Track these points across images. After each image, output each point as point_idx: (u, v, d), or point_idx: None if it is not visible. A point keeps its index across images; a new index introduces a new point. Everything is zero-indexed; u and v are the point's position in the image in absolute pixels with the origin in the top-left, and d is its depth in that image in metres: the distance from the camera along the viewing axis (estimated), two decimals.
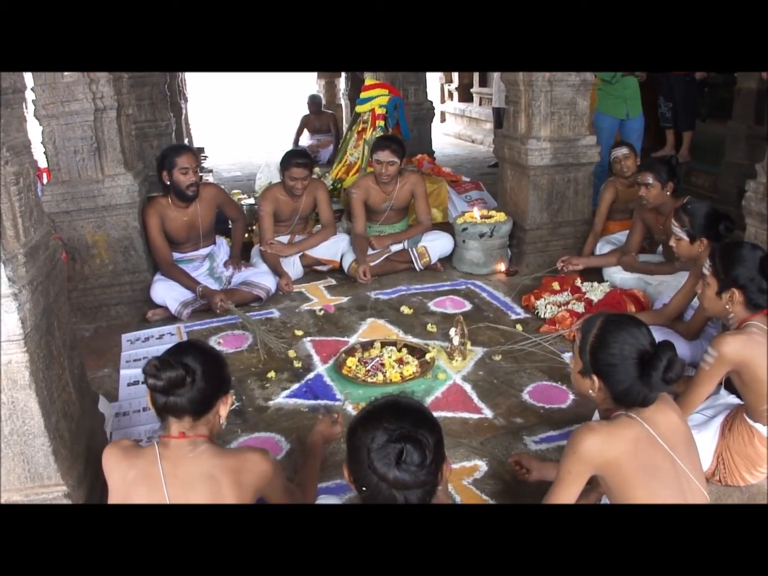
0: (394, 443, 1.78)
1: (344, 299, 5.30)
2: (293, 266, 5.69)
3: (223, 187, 6.10)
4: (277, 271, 5.52)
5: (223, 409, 2.40)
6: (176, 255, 5.28)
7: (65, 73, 4.66)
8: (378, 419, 1.84)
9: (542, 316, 4.74)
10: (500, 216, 5.81)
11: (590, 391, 2.42)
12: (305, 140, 11.76)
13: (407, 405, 1.91)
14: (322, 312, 5.06)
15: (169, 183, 5.09)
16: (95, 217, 4.98)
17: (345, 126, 11.92)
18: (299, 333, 4.71)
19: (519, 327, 4.64)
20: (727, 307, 3.00)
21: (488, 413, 3.71)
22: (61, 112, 4.75)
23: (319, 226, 6.03)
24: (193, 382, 2.26)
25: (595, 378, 2.37)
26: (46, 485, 2.60)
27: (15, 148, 2.53)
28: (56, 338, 2.75)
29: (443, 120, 15.74)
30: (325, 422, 3.25)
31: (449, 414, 3.67)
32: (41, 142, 4.85)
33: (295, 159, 5.63)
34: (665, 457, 2.25)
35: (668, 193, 4.72)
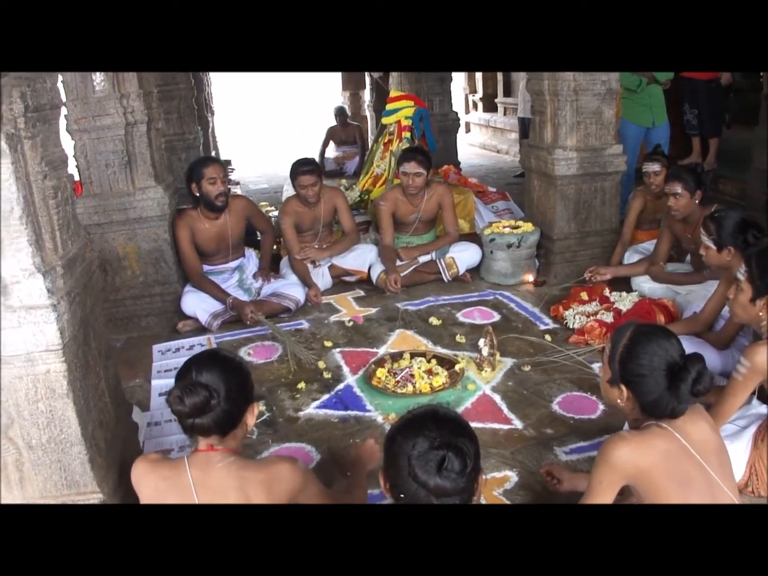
0: (436, 450, 1.79)
1: (373, 310, 5.33)
2: (322, 277, 5.74)
3: (251, 199, 6.15)
4: (306, 282, 5.56)
5: (251, 418, 2.41)
6: (206, 267, 5.34)
7: (96, 88, 4.76)
8: (418, 427, 1.86)
9: (571, 327, 4.74)
10: (527, 226, 5.82)
11: (618, 401, 2.42)
12: (331, 152, 11.80)
13: (446, 414, 1.93)
14: (351, 323, 5.08)
15: (198, 194, 5.16)
16: (126, 230, 5.05)
17: (370, 137, 12.00)
18: (328, 344, 4.74)
19: (548, 337, 4.64)
20: (761, 314, 2.99)
21: (518, 424, 3.72)
22: (93, 127, 4.84)
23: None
24: (218, 403, 2.26)
25: (623, 388, 2.37)
26: (83, 492, 2.64)
27: (53, 163, 2.58)
28: (92, 348, 2.80)
29: (468, 130, 15.76)
30: (364, 447, 3.10)
31: (479, 425, 3.67)
32: (73, 156, 4.93)
33: (301, 167, 5.72)
34: (697, 468, 2.25)
35: (697, 201, 4.71)
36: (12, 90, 2.34)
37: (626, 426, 2.75)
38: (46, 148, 2.54)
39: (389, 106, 7.76)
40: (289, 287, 5.37)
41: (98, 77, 4.74)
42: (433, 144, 7.62)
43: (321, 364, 4.44)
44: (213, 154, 11.28)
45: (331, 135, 11.94)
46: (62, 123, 4.57)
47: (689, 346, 2.47)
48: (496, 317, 5.07)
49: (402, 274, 5.58)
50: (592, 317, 4.71)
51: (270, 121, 21.96)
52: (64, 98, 4.70)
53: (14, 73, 2.34)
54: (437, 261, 5.79)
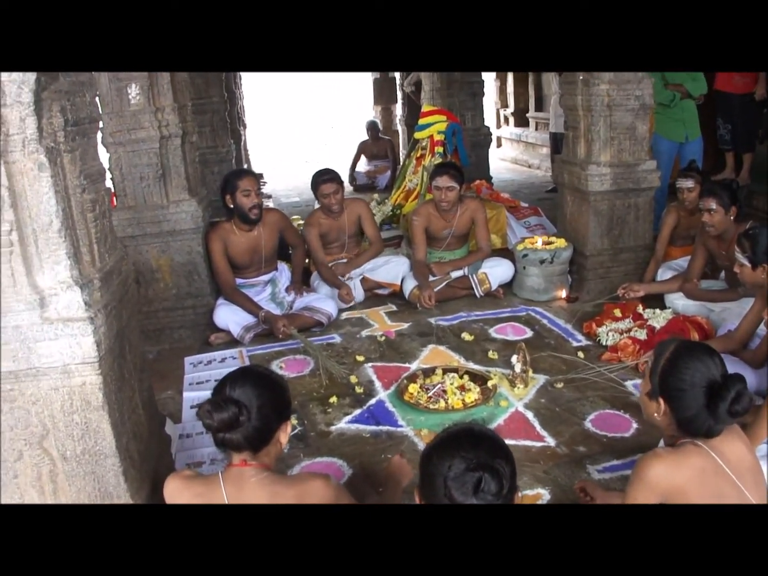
0: (472, 472, 1.77)
1: (405, 325, 5.31)
2: (354, 290, 5.73)
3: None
4: (336, 284, 5.60)
5: (284, 436, 2.40)
6: (239, 280, 5.36)
7: (132, 102, 4.81)
8: (454, 447, 1.84)
9: (604, 344, 4.69)
10: (560, 242, 5.78)
11: (655, 415, 2.40)
12: (363, 166, 11.83)
13: (482, 433, 1.91)
14: (383, 338, 5.07)
15: (232, 206, 5.19)
16: (160, 242, 5.09)
17: (402, 152, 12.00)
18: (360, 358, 4.73)
19: (580, 354, 4.60)
20: None
21: (551, 441, 3.68)
22: (128, 140, 4.89)
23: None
24: (248, 420, 2.25)
25: (661, 402, 2.35)
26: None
27: (91, 176, 2.61)
28: (128, 361, 2.82)
29: (499, 145, 15.73)
30: (395, 463, 3.08)
31: (511, 442, 3.63)
32: (108, 169, 4.97)
33: (321, 176, 5.82)
34: (732, 487, 2.23)
35: (731, 218, 4.66)
36: (52, 104, 2.37)
37: (661, 444, 2.72)
38: (84, 162, 2.56)
39: (422, 121, 7.78)
40: (321, 301, 5.38)
41: (133, 90, 4.79)
42: (465, 159, 7.63)
43: (353, 379, 4.43)
44: (245, 167, 11.34)
45: (363, 149, 11.97)
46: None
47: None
48: (529, 333, 5.04)
49: (434, 290, 5.56)
50: (625, 334, 4.66)
51: (302, 135, 22.04)
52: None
53: (54, 87, 2.37)
54: (470, 276, 5.77)
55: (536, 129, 14.18)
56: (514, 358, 4.25)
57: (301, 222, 7.73)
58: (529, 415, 3.94)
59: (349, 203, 5.93)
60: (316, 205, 7.97)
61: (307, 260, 6.11)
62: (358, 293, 5.81)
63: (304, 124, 24.33)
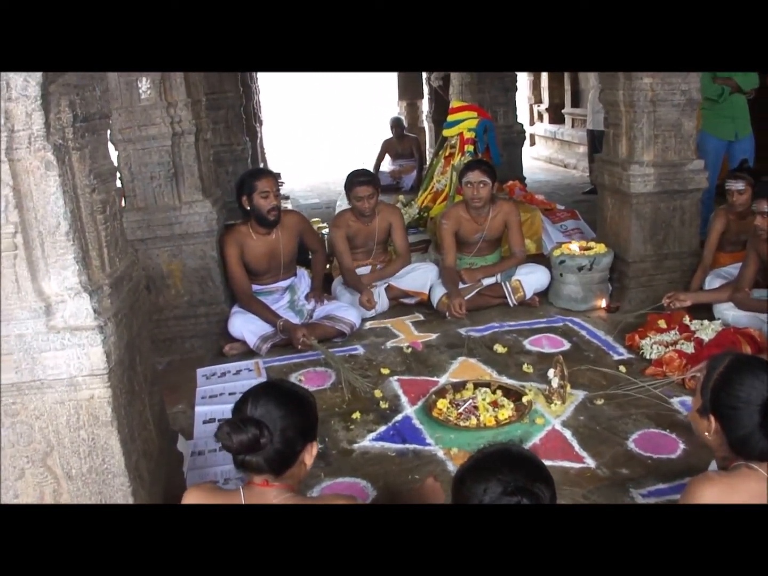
0: (510, 496, 1.75)
1: (433, 336, 5.29)
2: (378, 298, 5.72)
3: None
4: (358, 288, 5.62)
5: (309, 458, 2.36)
6: (255, 287, 5.36)
7: (142, 96, 4.82)
8: (490, 469, 1.82)
9: (648, 357, 4.65)
10: (600, 247, 5.74)
11: (706, 434, 2.37)
12: (387, 165, 11.83)
13: (520, 455, 1.89)
14: (410, 349, 5.06)
15: (249, 208, 5.19)
16: (171, 246, 5.10)
17: (429, 150, 12.01)
18: (385, 371, 4.72)
19: (622, 368, 4.56)
20: None
21: (590, 462, 3.64)
22: (138, 137, 4.90)
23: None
24: (269, 442, 2.22)
25: (713, 419, 2.32)
26: None
27: (102, 176, 2.61)
28: (138, 374, 2.82)
29: (533, 143, 15.71)
30: (426, 486, 3.04)
31: (548, 462, 3.57)
32: (116, 168, 5.00)
33: (357, 177, 5.79)
34: None
35: None
36: (60, 98, 2.37)
37: (712, 466, 2.68)
38: (94, 160, 2.57)
39: (451, 117, 7.76)
40: (344, 310, 5.37)
41: (144, 84, 4.80)
42: (497, 158, 7.61)
43: (377, 393, 4.42)
44: (261, 166, 11.38)
45: (387, 147, 11.97)
46: None
47: None
48: (566, 346, 5.01)
49: (465, 298, 5.53)
50: (670, 347, 4.62)
51: (321, 132, 22.10)
52: None
53: (62, 80, 2.37)
54: (502, 284, 5.74)
55: (572, 126, 14.15)
56: (550, 372, 4.22)
57: (322, 225, 7.76)
58: (567, 433, 3.91)
59: (382, 209, 5.93)
60: (338, 207, 8.05)
61: (328, 266, 6.11)
62: (383, 302, 5.80)
63: (323, 120, 24.40)
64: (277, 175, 11.98)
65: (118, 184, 3.24)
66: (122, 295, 2.64)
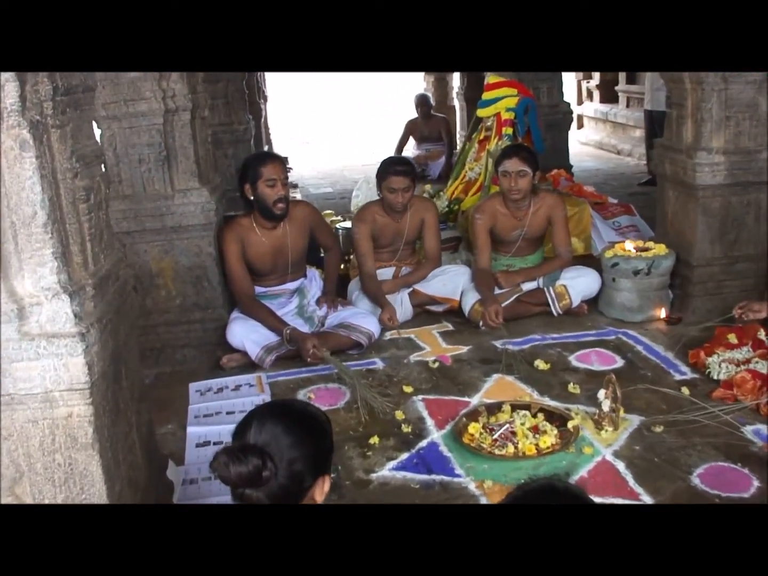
0: None
1: (464, 349, 5.29)
2: (401, 305, 5.72)
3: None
4: (379, 302, 5.57)
5: (319, 495, 2.29)
6: (259, 289, 5.37)
7: None
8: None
9: (715, 377, 4.62)
10: (659, 248, 5.71)
11: None
12: (411, 150, 11.85)
13: (567, 492, 1.87)
14: (437, 364, 5.06)
15: (252, 198, 5.19)
16: (162, 240, 5.10)
17: (460, 133, 12.00)
18: (408, 389, 4.72)
19: (685, 390, 4.53)
20: None
21: (648, 500, 3.62)
22: (125, 114, 4.90)
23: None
24: (273, 476, 2.16)
25: None
26: None
27: (85, 158, 2.61)
28: (124, 388, 2.81)
29: (580, 126, 15.69)
30: None
31: (598, 499, 3.57)
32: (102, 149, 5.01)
33: (393, 166, 5.74)
34: None
35: None
36: None
37: None
38: (77, 140, 2.57)
39: (486, 95, 7.74)
40: (361, 317, 5.36)
41: None
42: (540, 142, 7.58)
43: (399, 415, 4.41)
44: (266, 149, 11.40)
45: (411, 129, 11.97)
46: None
47: None
48: (619, 363, 5.00)
49: (502, 305, 5.51)
50: (742, 366, 4.59)
51: (335, 111, 22.11)
52: None
53: None
54: (545, 289, 5.73)
55: (627, 106, 14.11)
56: (601, 394, 4.20)
57: (336, 218, 7.76)
58: (620, 465, 3.88)
59: (414, 202, 5.90)
60: (354, 197, 8.05)
61: (343, 265, 6.10)
62: (406, 309, 5.79)
63: (338, 96, 24.41)
64: (285, 160, 12.02)
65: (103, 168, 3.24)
66: (107, 297, 2.63)
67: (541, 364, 4.92)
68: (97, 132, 4.83)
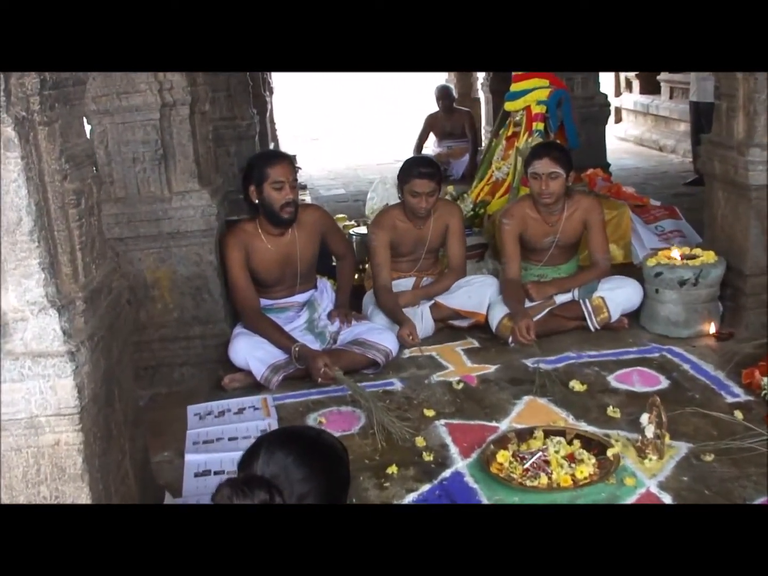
0: None
1: (491, 368, 5.28)
2: (421, 319, 5.72)
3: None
4: (397, 317, 5.55)
5: None
6: (265, 302, 5.39)
7: None
8: None
9: None
10: (708, 256, 5.69)
11: None
12: (431, 147, 11.85)
13: None
14: (461, 385, 5.05)
15: (258, 202, 5.20)
16: (158, 248, 5.12)
17: (485, 128, 11.99)
18: (430, 413, 4.71)
19: (738, 414, 4.50)
20: None
21: None
22: (117, 108, 4.92)
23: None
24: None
25: None
26: None
27: (75, 159, 2.61)
28: (117, 412, 2.82)
29: (618, 119, 15.69)
30: None
31: None
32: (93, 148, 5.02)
33: (417, 167, 5.73)
34: None
35: None
36: None
37: None
38: (66, 139, 2.57)
39: (515, 87, 7.75)
40: (377, 333, 5.36)
41: None
42: (574, 138, 7.58)
43: (419, 442, 4.40)
44: (272, 146, 11.42)
45: (432, 124, 11.97)
46: None
47: None
48: (664, 383, 4.98)
49: (533, 319, 5.50)
50: None
51: (348, 104, 22.14)
52: None
53: None
54: (581, 302, 5.72)
55: (671, 97, 14.09)
56: (644, 418, 4.18)
57: (349, 223, 7.75)
58: (666, 498, 3.86)
59: (439, 206, 5.89)
60: (369, 200, 8.05)
61: (357, 275, 6.10)
62: (427, 324, 5.79)
63: (351, 88, 24.44)
64: (293, 159, 12.05)
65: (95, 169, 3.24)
66: (100, 312, 2.64)
67: (576, 385, 4.91)
68: (87, 128, 4.89)
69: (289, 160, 5.45)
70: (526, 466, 4.05)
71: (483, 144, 11.26)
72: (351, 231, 7.24)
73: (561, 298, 5.80)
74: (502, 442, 4.27)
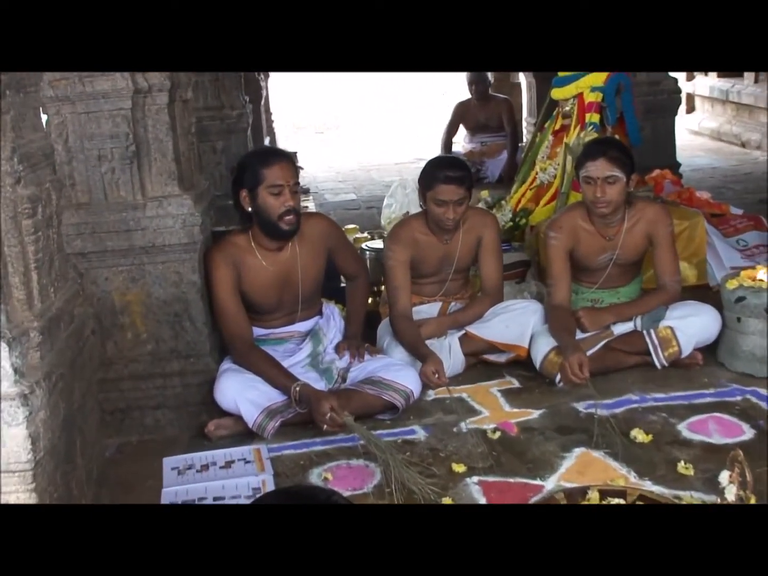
0: None
1: (535, 413, 5.27)
2: (449, 354, 5.70)
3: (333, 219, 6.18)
4: (418, 351, 5.51)
5: None
6: (259, 331, 5.40)
7: None
8: None
9: None
10: None
11: None
12: (462, 143, 11.87)
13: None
14: (498, 434, 5.03)
15: (251, 210, 5.19)
16: (129, 265, 5.10)
17: (526, 120, 12.00)
18: (459, 468, 4.69)
19: None
20: None
21: None
22: (80, 94, 4.88)
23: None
24: None
25: None
26: None
27: (30, 158, 2.62)
28: (78, 468, 2.82)
29: (691, 109, 15.70)
30: None
31: None
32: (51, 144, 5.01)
33: (444, 170, 5.66)
34: None
35: None
36: None
37: None
38: (19, 134, 2.59)
39: (564, 72, 7.74)
40: (395, 370, 5.33)
41: None
42: (636, 133, 7.59)
43: (447, 502, 4.39)
44: (267, 141, 11.44)
45: (462, 115, 11.98)
46: None
47: None
48: (748, 433, 4.95)
49: (587, 354, 5.48)
50: None
51: (358, 90, 22.16)
52: None
53: None
54: (644, 333, 5.69)
55: (756, 81, 14.05)
56: (723, 476, 4.16)
57: (362, 236, 7.75)
58: None
59: (470, 216, 5.86)
60: (385, 207, 8.05)
61: (371, 299, 6.09)
62: (456, 360, 5.76)
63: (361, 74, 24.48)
64: (294, 157, 12.09)
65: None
66: (59, 346, 2.64)
67: (640, 435, 4.88)
68: (43, 118, 4.89)
69: (289, 159, 5.41)
70: None
71: (524, 139, 11.28)
72: (363, 245, 7.22)
73: (620, 329, 5.78)
74: (548, 503, 4.27)
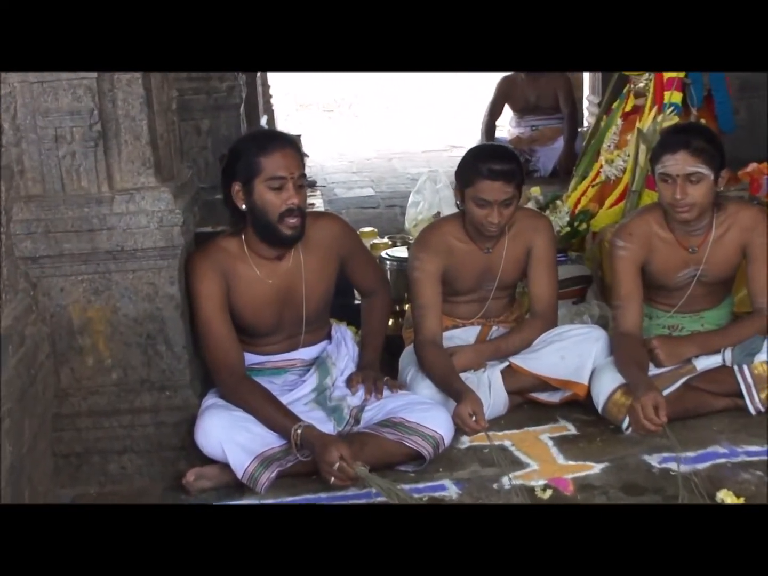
0: None
1: (596, 467, 5.26)
2: (489, 390, 5.70)
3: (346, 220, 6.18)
4: (452, 386, 5.45)
5: None
6: (253, 358, 5.41)
7: None
8: None
9: None
10: None
11: None
12: (508, 127, 11.88)
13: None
14: (549, 492, 5.02)
15: (245, 208, 5.18)
16: (92, 273, 5.08)
17: (587, 99, 12.01)
18: None
19: None
20: None
21: None
22: None
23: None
24: None
25: None
26: None
27: None
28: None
29: None
30: None
31: None
32: None
33: (487, 163, 5.59)
34: None
35: None
36: None
37: None
38: None
39: None
40: (421, 410, 5.30)
41: None
42: (728, 118, 7.56)
43: None
44: (264, 121, 11.46)
45: (508, 93, 11.99)
46: None
47: None
48: None
49: (663, 393, 5.44)
50: None
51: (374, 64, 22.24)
52: None
53: None
54: (735, 369, 5.67)
55: None
56: None
57: (380, 242, 7.74)
58: None
59: (518, 220, 5.84)
60: (411, 205, 8.05)
61: (392, 321, 6.09)
62: (498, 398, 5.75)
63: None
64: (298, 142, 12.13)
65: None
66: (7, 374, 2.65)
67: (728, 498, 4.84)
68: None
69: (293, 145, 5.38)
70: None
71: (585, 124, 11.28)
72: (383, 253, 7.20)
73: (705, 363, 5.73)
74: None
